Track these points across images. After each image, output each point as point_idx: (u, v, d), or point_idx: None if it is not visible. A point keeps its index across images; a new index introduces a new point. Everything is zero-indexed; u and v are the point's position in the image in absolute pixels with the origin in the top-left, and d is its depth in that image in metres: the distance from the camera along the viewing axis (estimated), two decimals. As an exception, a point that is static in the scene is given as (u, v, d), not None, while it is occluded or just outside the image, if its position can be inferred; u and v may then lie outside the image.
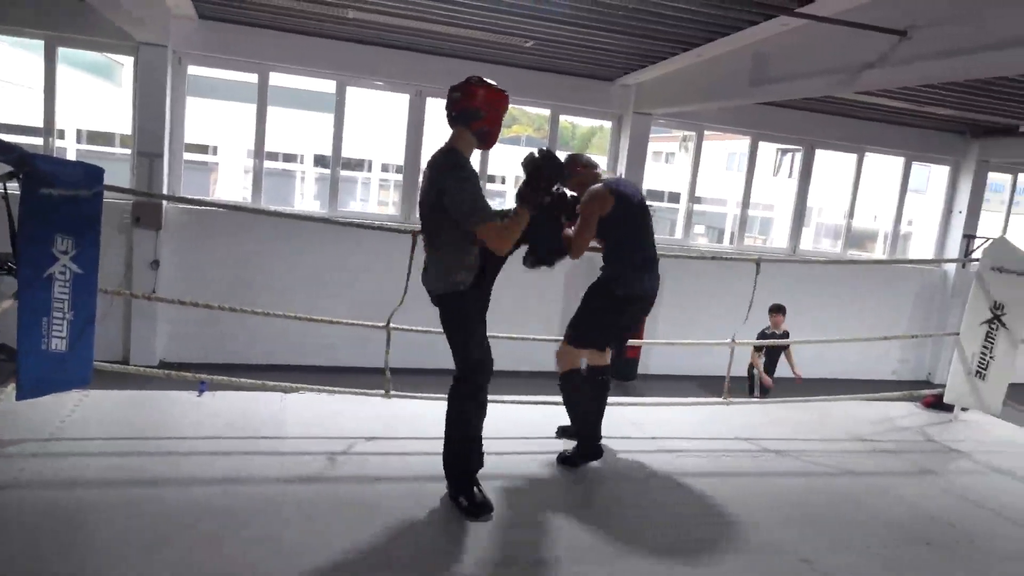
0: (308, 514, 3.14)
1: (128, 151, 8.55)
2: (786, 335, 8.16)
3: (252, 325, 8.42)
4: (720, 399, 5.07)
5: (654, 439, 4.48)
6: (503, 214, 3.26)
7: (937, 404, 5.58)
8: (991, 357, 5.09)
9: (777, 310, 8.17)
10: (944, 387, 5.51)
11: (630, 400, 5.34)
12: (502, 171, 13.95)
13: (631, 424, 4.68)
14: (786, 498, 3.87)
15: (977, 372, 5.14)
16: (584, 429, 3.92)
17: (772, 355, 8.26)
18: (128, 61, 13.67)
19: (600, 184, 3.79)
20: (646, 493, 3.76)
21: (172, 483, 3.30)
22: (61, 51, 8.05)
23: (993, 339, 5.10)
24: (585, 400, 3.92)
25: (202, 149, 15.19)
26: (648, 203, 4.06)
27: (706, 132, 10.52)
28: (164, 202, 8.29)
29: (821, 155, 11.10)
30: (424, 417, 4.04)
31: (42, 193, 3.21)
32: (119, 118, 13.81)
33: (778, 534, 3.43)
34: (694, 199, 10.69)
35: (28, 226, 3.25)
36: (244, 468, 3.50)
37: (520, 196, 3.14)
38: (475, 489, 3.29)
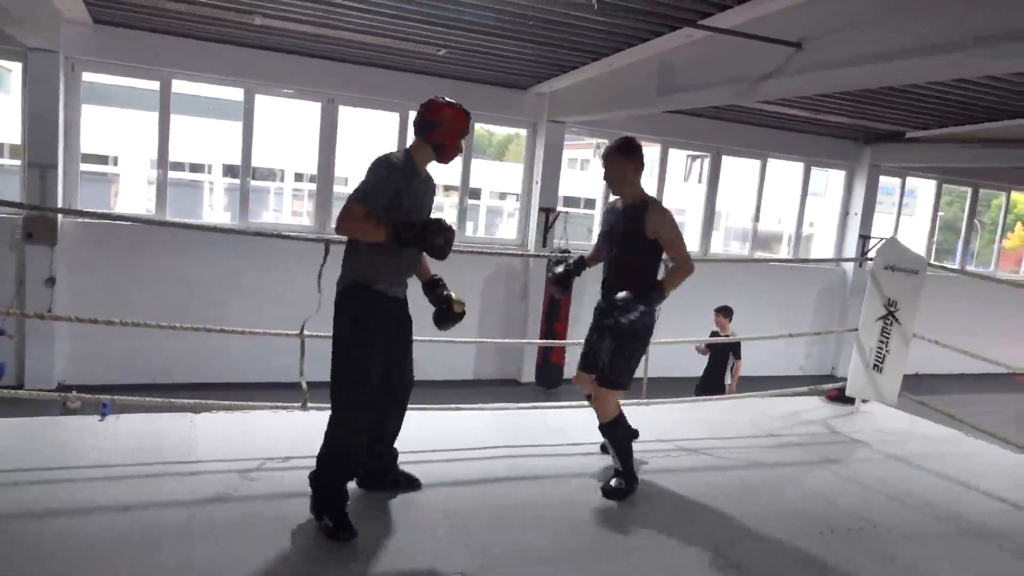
0: (218, 535, 3.02)
1: (18, 162, 8.04)
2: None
3: (158, 342, 8.08)
4: (641, 400, 5.17)
5: (575, 444, 4.53)
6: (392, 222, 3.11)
7: (840, 397, 5.87)
8: (887, 351, 5.40)
9: (721, 311, 8.13)
10: (843, 383, 5.81)
11: (551, 404, 5.40)
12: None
13: (551, 431, 4.72)
14: (697, 494, 3.97)
15: (875, 365, 5.44)
16: (630, 465, 3.85)
17: (717, 360, 8.07)
18: (16, 67, 12.89)
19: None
20: (565, 495, 3.80)
21: (74, 512, 3.11)
22: None
23: (888, 334, 5.41)
24: (628, 438, 3.89)
25: (102, 160, 14.46)
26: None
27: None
28: (59, 216, 7.85)
29: (728, 161, 11.55)
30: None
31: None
32: (6, 127, 13.03)
33: (690, 529, 3.52)
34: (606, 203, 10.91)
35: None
36: (151, 492, 3.33)
37: (403, 232, 3.09)
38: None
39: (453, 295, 3.46)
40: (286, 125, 11.92)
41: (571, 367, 10.01)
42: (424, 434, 4.16)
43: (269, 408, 4.22)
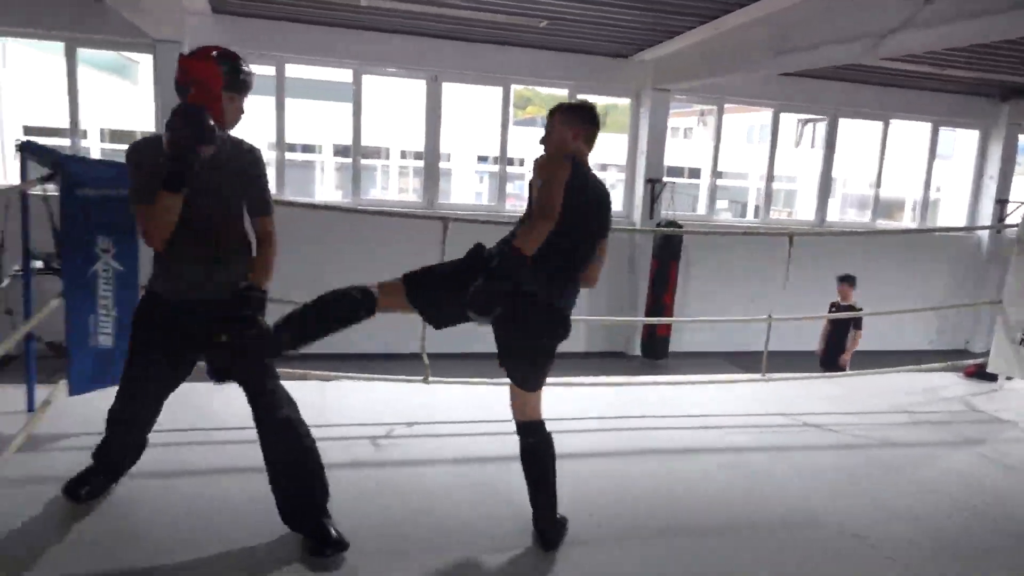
0: (358, 496, 3.17)
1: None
2: (852, 309, 7.63)
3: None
4: (759, 375, 5.02)
5: (692, 416, 4.45)
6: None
7: (980, 373, 5.49)
8: (1035, 324, 4.98)
9: (844, 280, 7.70)
10: (985, 356, 5.41)
11: (666, 379, 5.31)
12: (520, 153, 13.89)
13: (665, 402, 4.66)
14: (832, 471, 3.83)
15: (1022, 341, 5.03)
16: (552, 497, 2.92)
17: (839, 330, 7.69)
18: (144, 59, 13.62)
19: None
20: (690, 468, 3.74)
21: (226, 472, 3.33)
22: (80, 51, 8.09)
23: (1037, 306, 4.99)
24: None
25: (220, 144, 15.25)
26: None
27: (726, 105, 10.38)
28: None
29: (845, 124, 10.92)
30: (464, 401, 4.05)
31: (78, 194, 3.25)
32: (139, 116, 13.95)
33: (827, 507, 3.39)
34: (717, 174, 10.57)
35: (68, 226, 3.30)
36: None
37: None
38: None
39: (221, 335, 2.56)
40: (392, 103, 12.19)
41: (677, 340, 9.94)
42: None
43: (394, 381, 4.36)
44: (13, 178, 8.10)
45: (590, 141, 2.85)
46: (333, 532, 2.72)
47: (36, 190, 3.51)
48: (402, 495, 3.24)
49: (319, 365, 4.71)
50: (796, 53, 6.76)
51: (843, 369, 7.38)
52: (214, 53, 2.61)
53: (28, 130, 10.84)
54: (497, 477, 3.40)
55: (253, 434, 2.79)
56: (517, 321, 2.71)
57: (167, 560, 2.66)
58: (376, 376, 4.37)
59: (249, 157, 2.74)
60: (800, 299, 8.12)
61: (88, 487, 2.93)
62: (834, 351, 7.68)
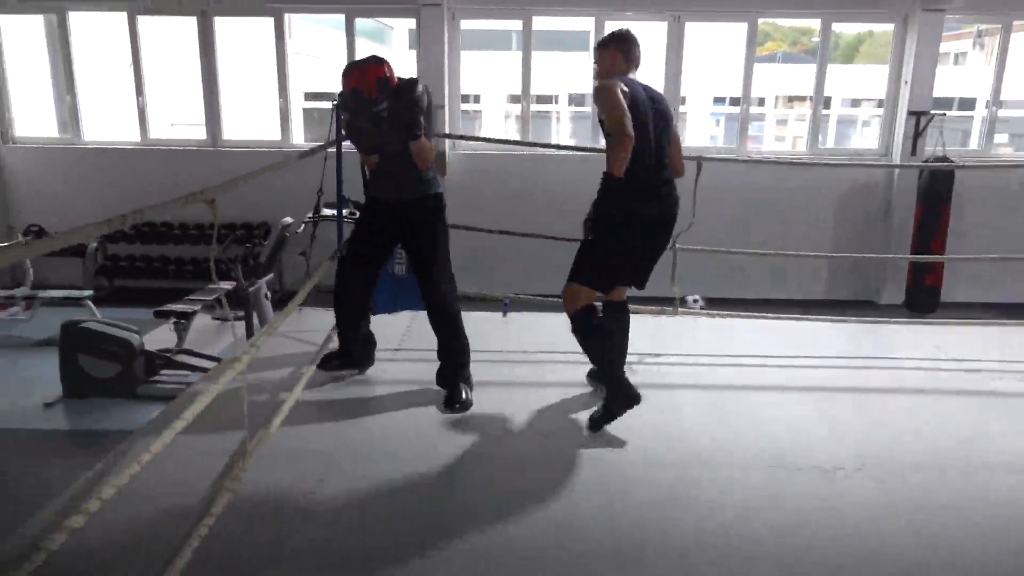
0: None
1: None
2: None
3: (524, 257, 9.06)
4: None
5: (957, 360, 4.21)
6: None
7: None
8: None
9: None
10: None
11: (926, 320, 5.03)
12: (761, 92, 13.21)
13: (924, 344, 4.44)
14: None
15: None
16: (611, 381, 3.48)
17: None
18: (398, 23, 14.64)
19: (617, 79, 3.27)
20: (943, 411, 3.60)
21: (491, 385, 3.84)
22: (341, 20, 9.09)
23: None
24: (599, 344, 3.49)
25: (465, 99, 16.39)
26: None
27: (1015, 23, 9.04)
28: (447, 149, 9.11)
29: None
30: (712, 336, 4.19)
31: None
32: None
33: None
34: (998, 103, 9.31)
35: (375, 172, 3.92)
36: (544, 374, 3.98)
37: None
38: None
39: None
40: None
41: (949, 290, 9.04)
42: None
43: (644, 313, 4.63)
44: (298, 136, 9.54)
45: (628, 57, 3.40)
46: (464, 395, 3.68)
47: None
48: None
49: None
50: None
51: None
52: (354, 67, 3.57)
53: (307, 96, 12.40)
54: (745, 404, 3.55)
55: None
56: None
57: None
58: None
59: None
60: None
61: (335, 361, 4.05)
62: None
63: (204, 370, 5.80)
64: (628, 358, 4.15)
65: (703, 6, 8.87)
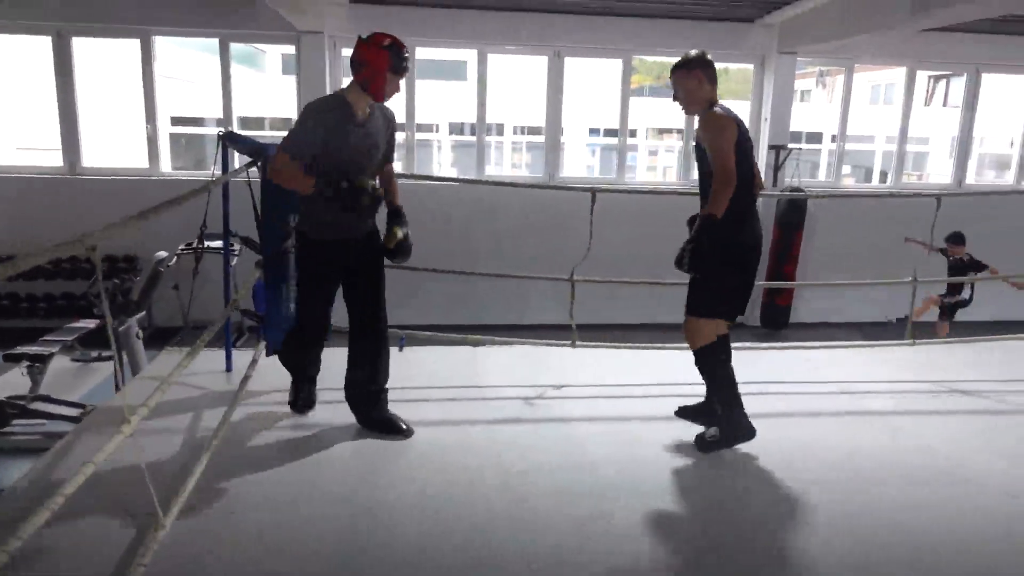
0: (521, 447, 3.49)
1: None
2: (973, 262, 7.77)
3: (417, 289, 8.93)
4: (906, 340, 4.99)
5: (834, 383, 4.51)
6: (324, 176, 3.17)
7: None
8: None
9: (954, 240, 7.82)
10: None
11: (811, 344, 5.37)
12: (633, 124, 13.86)
13: (807, 363, 4.73)
14: (984, 435, 3.83)
15: None
16: (730, 411, 3.51)
17: (955, 288, 7.97)
18: (271, 49, 14.19)
19: (718, 109, 3.31)
20: (833, 433, 3.84)
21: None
22: (214, 43, 8.73)
23: None
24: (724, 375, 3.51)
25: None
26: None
27: (856, 66, 9.99)
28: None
29: (985, 79, 10.27)
30: (609, 366, 4.28)
31: (278, 177, 3.67)
32: (268, 102, 14.88)
33: (983, 469, 3.43)
34: (844, 138, 10.23)
35: (267, 207, 3.74)
36: (447, 413, 3.92)
37: (324, 190, 3.15)
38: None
39: (398, 231, 3.46)
40: (508, 81, 12.44)
41: (799, 309, 9.77)
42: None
43: (543, 345, 4.67)
44: (166, 164, 9.00)
45: (712, 80, 3.35)
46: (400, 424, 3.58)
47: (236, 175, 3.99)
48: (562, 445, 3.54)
49: (470, 332, 5.08)
50: (941, 8, 6.48)
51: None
52: (386, 43, 3.22)
53: (174, 120, 11.76)
54: (644, 433, 3.64)
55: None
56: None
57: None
58: (527, 340, 4.69)
59: (390, 119, 3.46)
60: (940, 264, 7.91)
61: (301, 398, 3.78)
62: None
63: (67, 418, 5.30)
64: (529, 391, 4.19)
65: (582, 43, 9.20)
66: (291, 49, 8.84)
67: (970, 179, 11.85)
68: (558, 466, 3.35)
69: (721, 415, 3.51)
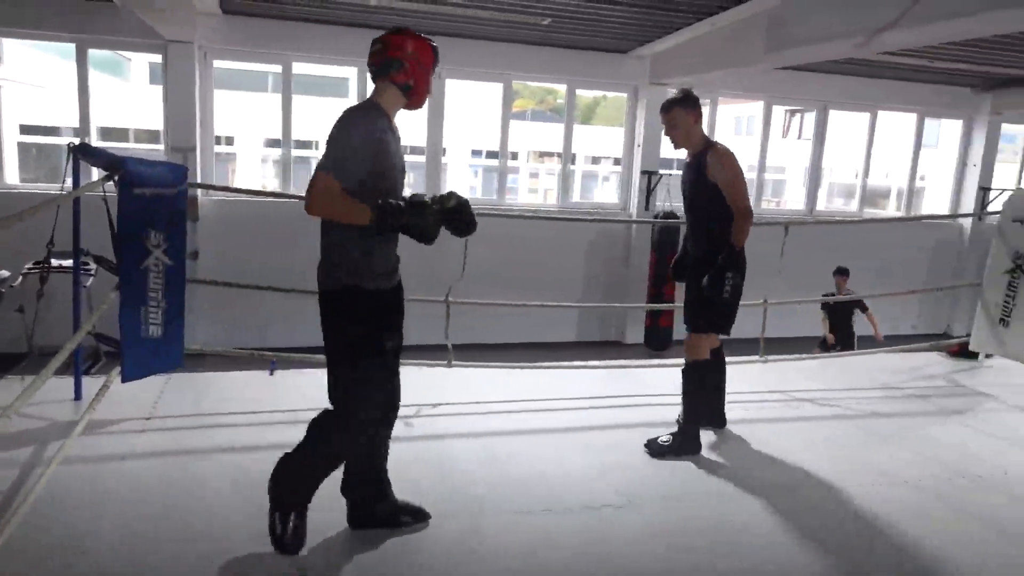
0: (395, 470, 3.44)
1: (161, 147, 8.76)
2: (856, 302, 8.28)
3: (288, 309, 8.67)
4: (757, 357, 5.32)
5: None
6: (378, 201, 2.53)
7: (963, 353, 5.83)
8: (1014, 305, 5.30)
9: (840, 273, 8.49)
10: (965, 338, 5.75)
11: (672, 362, 5.61)
12: (515, 146, 14.15)
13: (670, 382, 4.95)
14: (829, 439, 4.14)
15: (1001, 320, 5.36)
16: (693, 424, 3.85)
17: (839, 318, 8.42)
18: (137, 57, 13.48)
19: (725, 146, 3.68)
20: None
21: (260, 449, 3.59)
22: (70, 49, 8.20)
23: (1016, 288, 5.30)
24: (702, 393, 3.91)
25: (217, 141, 15.38)
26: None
27: (720, 98, 10.67)
28: (199, 194, 8.51)
29: (832, 115, 11.24)
30: (483, 384, 4.31)
31: (136, 193, 3.48)
32: (132, 112, 14.04)
33: (828, 469, 3.70)
34: (710, 166, 10.85)
35: (125, 224, 3.53)
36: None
37: (391, 217, 2.53)
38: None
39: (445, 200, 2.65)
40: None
41: (680, 330, 10.22)
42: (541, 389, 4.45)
43: (417, 365, 4.63)
44: (12, 176, 8.32)
45: (700, 116, 3.71)
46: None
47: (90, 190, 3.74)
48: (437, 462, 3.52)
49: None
50: (791, 48, 7.03)
51: (832, 345, 8.12)
52: (412, 30, 2.80)
53: (24, 128, 10.90)
54: (517, 449, 3.69)
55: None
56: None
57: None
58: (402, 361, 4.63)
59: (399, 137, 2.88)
60: (795, 286, 8.50)
61: (291, 531, 2.76)
62: (847, 339, 8.28)
63: None
64: (404, 411, 4.13)
65: (463, 65, 9.30)
66: (158, 58, 8.43)
67: (821, 206, 12.87)
68: (432, 484, 3.33)
69: (682, 426, 3.79)
